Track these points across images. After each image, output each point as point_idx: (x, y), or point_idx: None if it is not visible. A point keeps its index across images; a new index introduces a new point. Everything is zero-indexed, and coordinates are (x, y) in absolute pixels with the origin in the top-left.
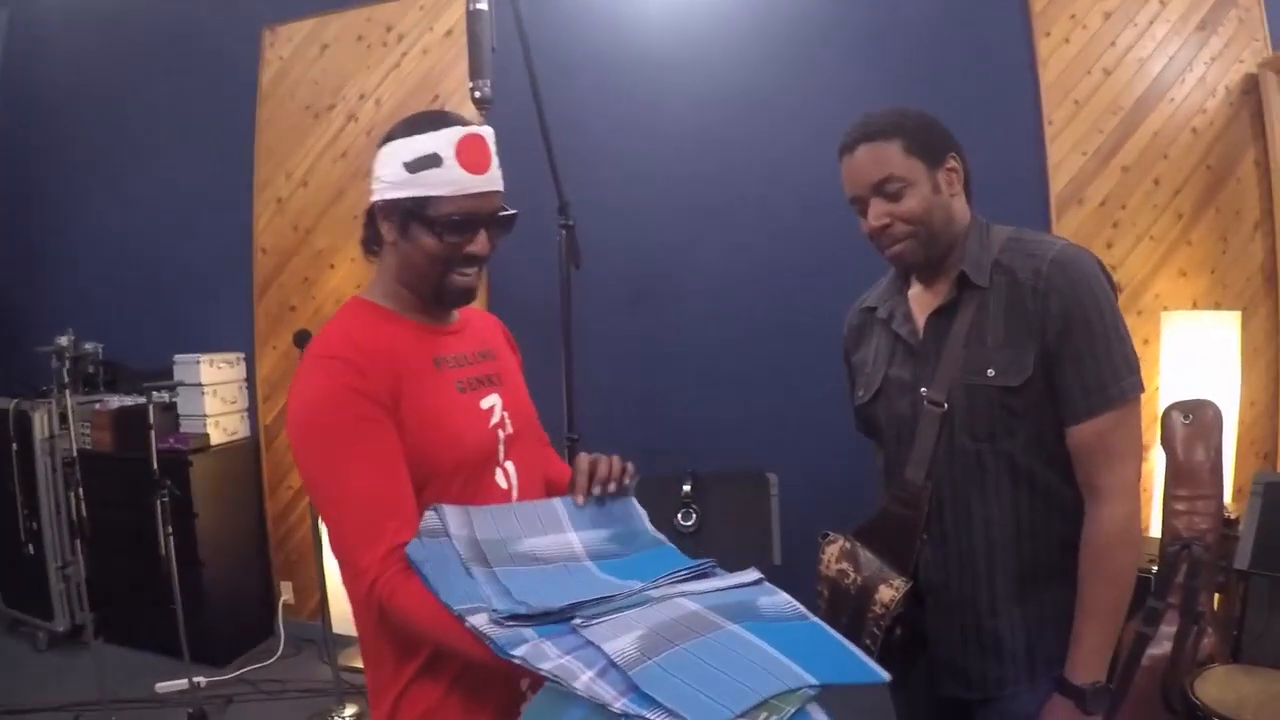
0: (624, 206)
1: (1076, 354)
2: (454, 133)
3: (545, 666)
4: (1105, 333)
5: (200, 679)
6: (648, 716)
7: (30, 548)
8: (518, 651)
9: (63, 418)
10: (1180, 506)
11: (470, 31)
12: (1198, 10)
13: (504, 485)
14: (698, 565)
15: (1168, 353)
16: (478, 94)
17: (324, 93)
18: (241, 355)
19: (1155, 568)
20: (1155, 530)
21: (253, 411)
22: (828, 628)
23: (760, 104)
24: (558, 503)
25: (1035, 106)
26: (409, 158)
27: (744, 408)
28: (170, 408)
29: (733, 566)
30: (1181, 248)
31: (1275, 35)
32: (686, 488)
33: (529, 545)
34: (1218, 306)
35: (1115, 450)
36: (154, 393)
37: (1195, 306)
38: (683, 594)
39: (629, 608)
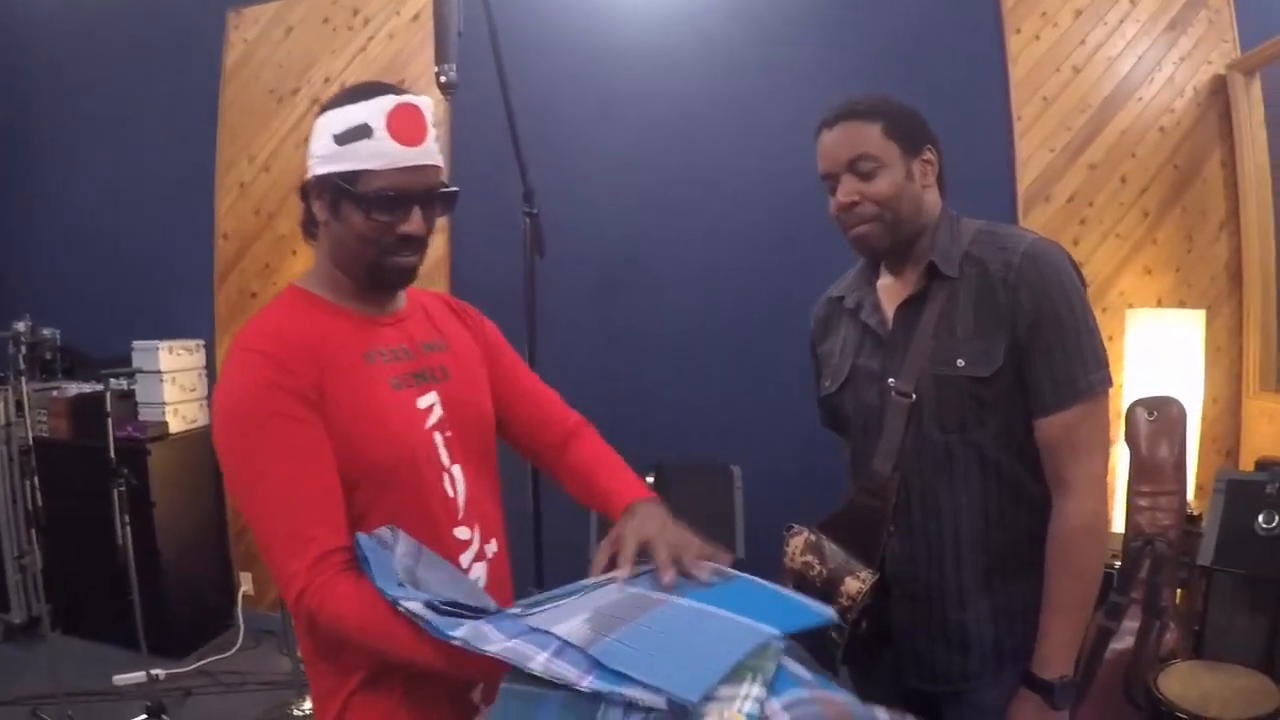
0: (590, 196)
1: (1046, 347)
2: (385, 102)
3: (492, 649)
4: (1075, 326)
5: (158, 671)
6: (622, 692)
7: None
8: (457, 633)
9: (19, 405)
10: (1143, 502)
11: (436, 14)
12: (1168, 10)
13: (450, 493)
14: None
15: (1132, 350)
16: (443, 78)
17: (289, 76)
18: (201, 342)
19: (1118, 563)
20: (1119, 526)
21: (212, 400)
22: (757, 580)
23: (731, 95)
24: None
25: (1004, 102)
26: (339, 129)
27: (708, 400)
28: (129, 395)
29: None
30: (1147, 246)
31: (1244, 37)
32: (650, 480)
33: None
34: (1182, 305)
35: (1082, 444)
36: (112, 380)
37: (1160, 304)
38: (613, 579)
39: (565, 597)
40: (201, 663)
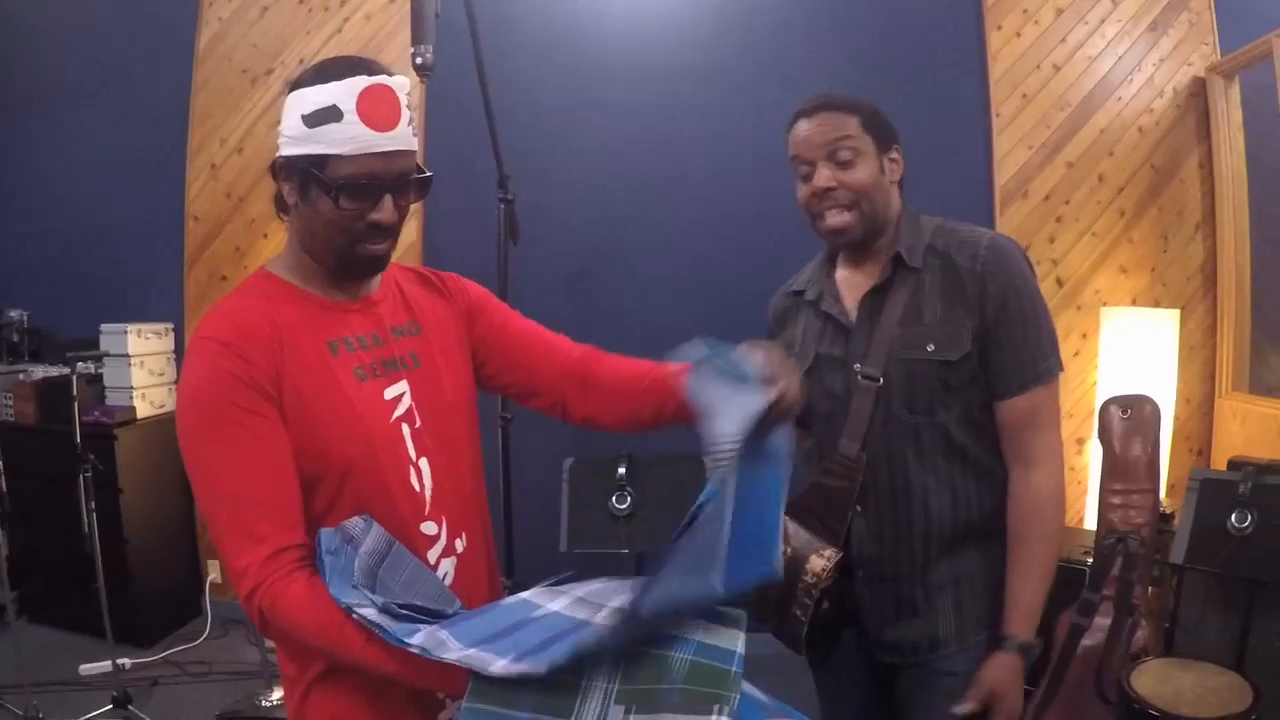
0: (566, 184)
1: (1011, 334)
2: (356, 83)
3: (450, 656)
4: (1036, 314)
5: (125, 661)
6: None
7: None
8: (414, 640)
9: None
10: (1116, 500)
11: None
12: (1149, 11)
13: (417, 488)
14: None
15: (1106, 348)
16: (419, 60)
17: (262, 57)
18: (170, 326)
19: (1090, 560)
20: (1091, 523)
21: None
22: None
23: (709, 87)
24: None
25: (984, 99)
26: (308, 109)
27: None
28: (96, 379)
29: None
30: (1123, 245)
31: (1224, 40)
32: (622, 470)
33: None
34: (1157, 304)
35: (1045, 420)
36: (79, 363)
37: (1135, 303)
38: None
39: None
40: (168, 652)
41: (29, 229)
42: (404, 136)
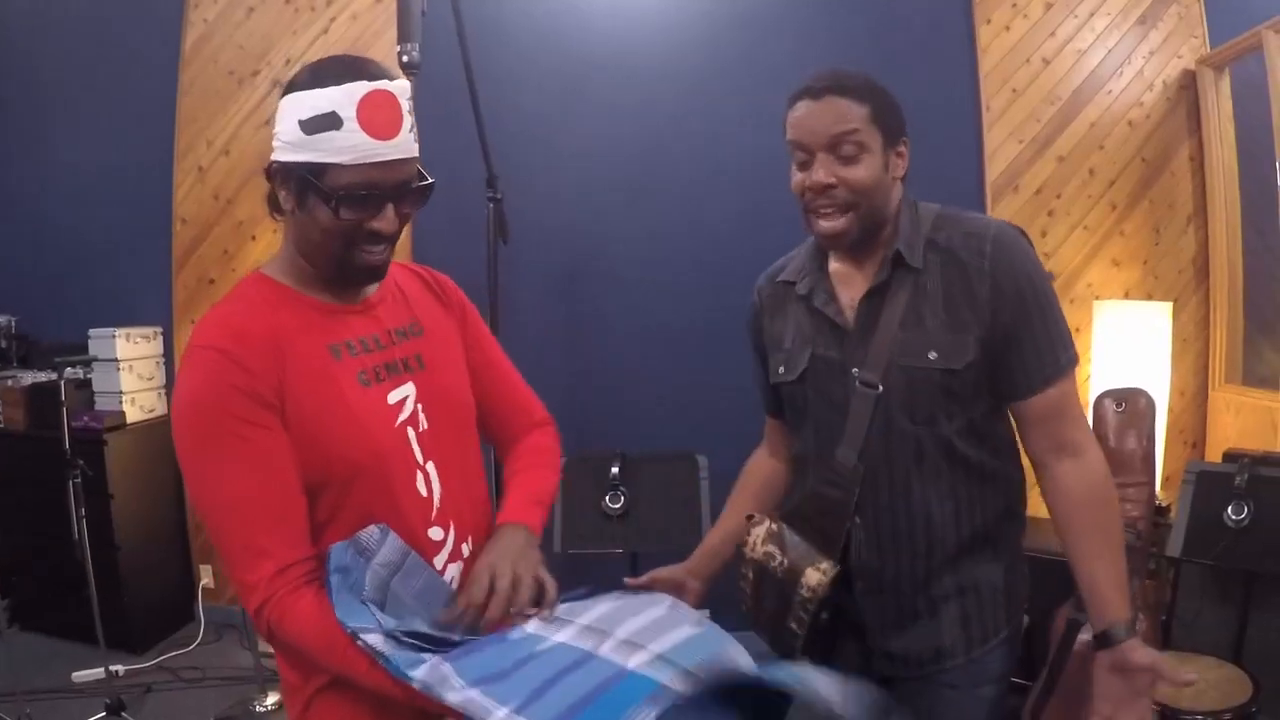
0: (555, 184)
1: (1031, 330)
2: (357, 89)
3: (452, 698)
4: (1051, 306)
5: (118, 667)
6: None
7: None
8: (417, 674)
9: None
10: None
11: None
12: (1138, 5)
13: (424, 492)
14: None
15: (1099, 341)
16: (405, 58)
17: (249, 57)
18: (159, 329)
19: None
20: None
21: (170, 388)
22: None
23: (697, 84)
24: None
25: (973, 93)
26: (305, 115)
27: (674, 388)
28: (85, 384)
29: (662, 548)
30: (1115, 238)
31: (1214, 32)
32: (615, 469)
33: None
34: (1149, 297)
35: (1075, 409)
36: (67, 368)
37: (1127, 296)
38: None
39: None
40: (162, 658)
41: (15, 233)
42: (405, 144)
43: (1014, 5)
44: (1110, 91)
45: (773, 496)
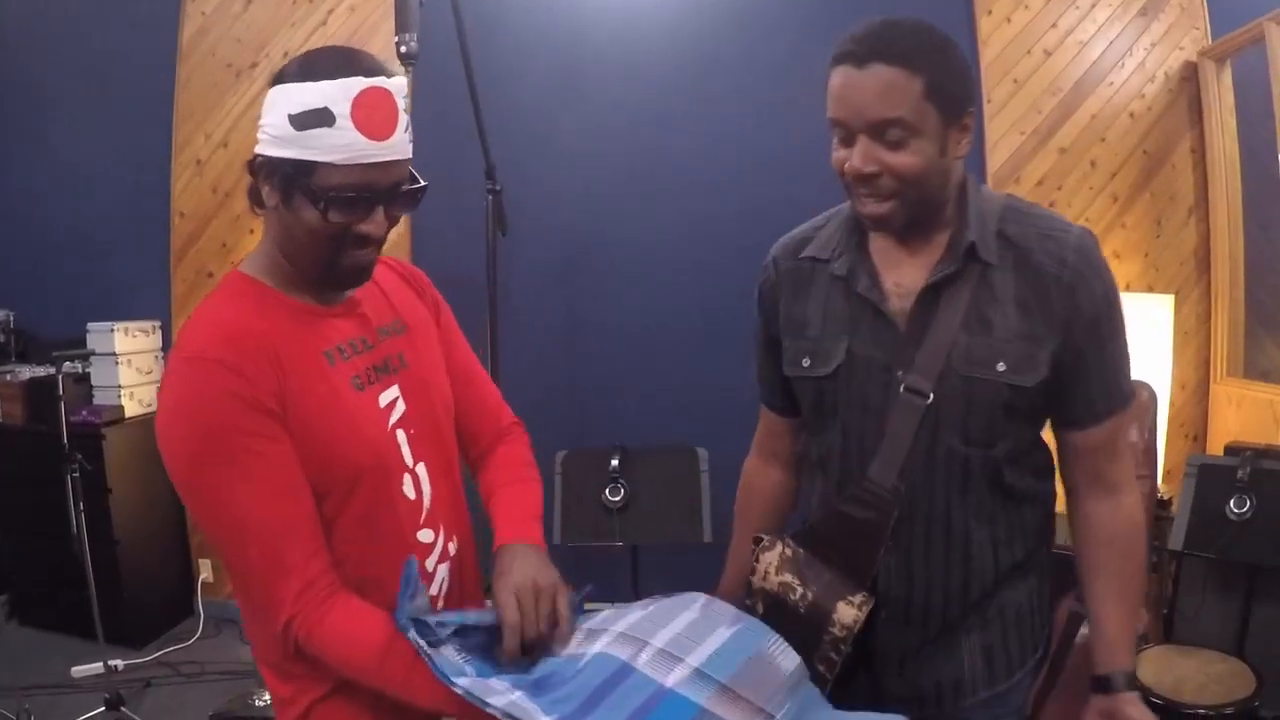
0: (555, 176)
1: (1101, 356)
2: (351, 84)
3: (495, 702)
4: (1123, 332)
5: (117, 662)
6: None
7: None
8: (461, 681)
9: None
10: None
11: None
12: None
13: (412, 495)
14: None
15: None
16: (403, 49)
17: (247, 50)
18: (157, 323)
19: None
20: None
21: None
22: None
23: (698, 75)
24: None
25: (974, 84)
26: (295, 110)
27: (674, 381)
28: (83, 379)
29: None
30: (1116, 230)
31: (1215, 24)
32: (615, 462)
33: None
34: (1150, 290)
35: (1123, 444)
36: (65, 363)
37: (1129, 289)
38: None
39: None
40: (161, 653)
41: (13, 228)
42: (400, 144)
43: None
44: (1112, 83)
45: (780, 515)
